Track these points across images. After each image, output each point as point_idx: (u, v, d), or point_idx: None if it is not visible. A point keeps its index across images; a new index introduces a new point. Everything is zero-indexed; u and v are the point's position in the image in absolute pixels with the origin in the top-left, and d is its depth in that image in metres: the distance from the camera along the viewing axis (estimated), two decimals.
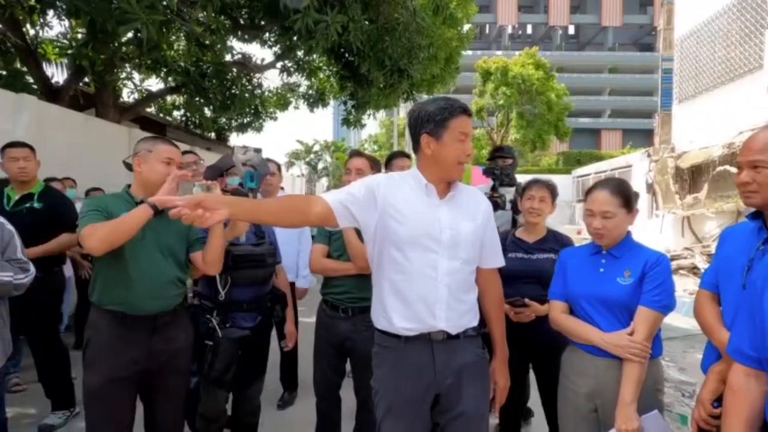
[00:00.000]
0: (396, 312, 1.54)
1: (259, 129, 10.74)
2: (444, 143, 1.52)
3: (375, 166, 2.47)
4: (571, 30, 49.33)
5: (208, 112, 9.72)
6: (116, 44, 6.29)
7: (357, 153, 2.50)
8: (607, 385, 1.66)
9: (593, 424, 1.73)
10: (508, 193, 3.06)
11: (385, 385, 1.57)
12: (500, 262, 1.73)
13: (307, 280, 3.46)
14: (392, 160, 2.75)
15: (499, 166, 3.07)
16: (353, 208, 1.52)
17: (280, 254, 2.44)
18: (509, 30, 48.02)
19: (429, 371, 1.53)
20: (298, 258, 3.37)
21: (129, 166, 1.92)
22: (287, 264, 4.12)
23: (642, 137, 37.94)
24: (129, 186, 1.93)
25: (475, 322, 1.62)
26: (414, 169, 1.64)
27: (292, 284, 4.39)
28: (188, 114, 10.19)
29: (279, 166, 3.27)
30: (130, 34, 6.19)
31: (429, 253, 1.52)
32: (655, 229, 10.83)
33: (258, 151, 2.13)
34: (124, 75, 8.08)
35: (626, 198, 1.75)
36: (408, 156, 2.98)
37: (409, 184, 1.59)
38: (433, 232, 1.52)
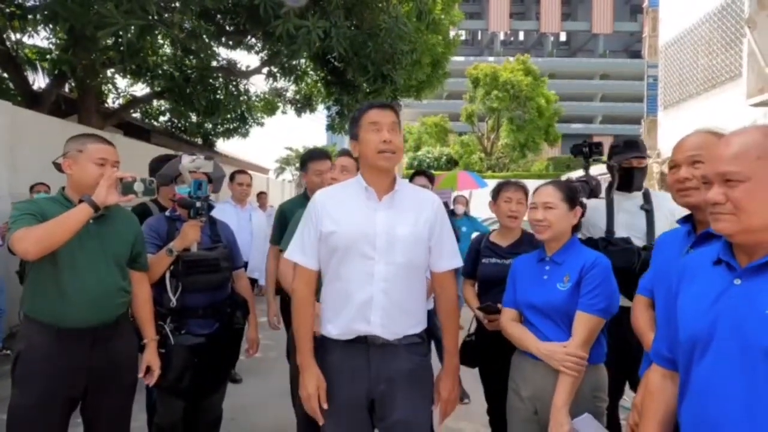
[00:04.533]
0: (332, 318, 1.57)
1: (245, 134, 10.72)
2: (361, 140, 1.59)
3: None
4: (563, 37, 49.82)
5: (193, 117, 9.70)
6: (98, 50, 6.27)
7: (346, 152, 2.45)
8: (545, 390, 1.67)
9: (536, 426, 1.75)
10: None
11: (328, 386, 1.58)
12: (451, 264, 1.66)
13: None
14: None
15: (633, 165, 2.31)
16: (316, 247, 1.60)
17: (241, 259, 2.41)
18: (501, 36, 48.39)
19: (364, 376, 1.54)
20: (264, 257, 3.37)
21: (59, 167, 1.80)
22: (255, 262, 4.10)
23: None
24: (63, 188, 1.82)
25: (418, 329, 1.60)
26: (358, 175, 1.66)
27: (256, 281, 4.36)
28: (173, 119, 10.15)
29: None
30: (111, 40, 6.18)
31: (365, 260, 1.53)
32: None
33: (209, 158, 2.09)
34: (106, 80, 8.02)
35: (568, 194, 1.77)
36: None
37: (351, 191, 1.62)
38: (369, 237, 1.53)
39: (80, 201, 1.68)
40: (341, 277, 1.55)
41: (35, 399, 1.66)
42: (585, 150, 2.38)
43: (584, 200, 2.22)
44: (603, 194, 2.41)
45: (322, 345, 1.61)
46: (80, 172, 1.75)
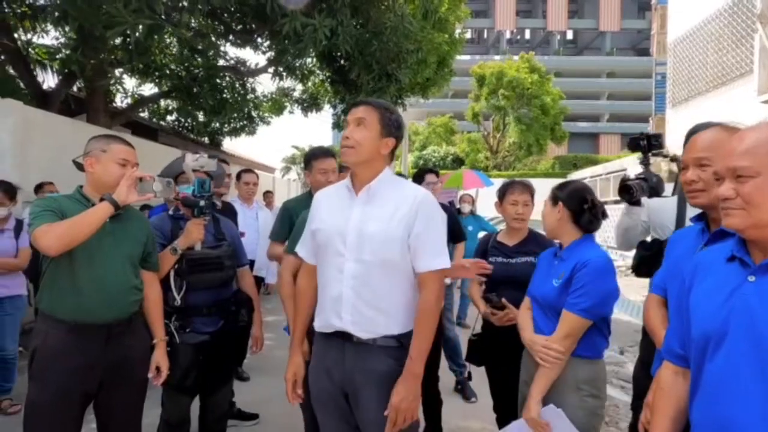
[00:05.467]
0: (318, 311, 1.64)
1: (252, 133, 10.75)
2: None
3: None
4: (570, 35, 49.52)
5: (200, 116, 9.75)
6: (106, 49, 6.32)
7: (326, 153, 2.50)
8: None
9: None
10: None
11: (310, 377, 1.67)
12: (432, 264, 1.52)
13: (273, 275, 3.50)
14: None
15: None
16: (312, 242, 1.67)
17: (245, 256, 2.42)
18: (507, 35, 48.19)
19: (339, 369, 1.57)
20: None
21: (80, 166, 1.84)
22: (261, 261, 4.14)
23: None
24: (81, 187, 1.86)
25: (395, 331, 1.54)
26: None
27: (262, 279, 4.42)
28: (181, 118, 10.20)
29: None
30: (119, 39, 6.22)
31: (337, 256, 1.55)
32: None
33: (213, 157, 2.10)
34: (114, 80, 8.08)
35: (552, 193, 1.87)
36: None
37: (341, 190, 1.65)
38: (342, 234, 1.55)
39: (101, 199, 1.73)
40: (321, 273, 1.62)
41: (52, 394, 1.69)
42: (643, 143, 2.13)
43: (645, 199, 2.08)
44: (667, 192, 2.19)
45: (316, 335, 1.68)
46: (103, 171, 1.80)
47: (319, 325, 1.62)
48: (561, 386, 1.68)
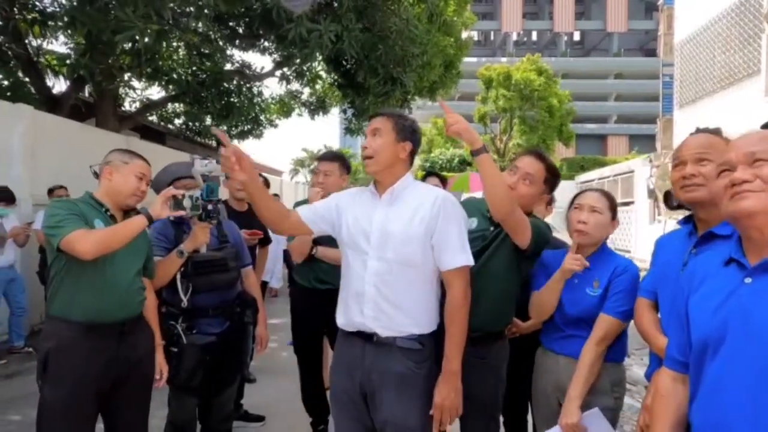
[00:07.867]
0: (340, 309, 1.69)
1: (259, 136, 10.83)
2: None
3: (344, 166, 2.63)
4: (577, 36, 49.30)
5: (208, 120, 9.84)
6: (115, 54, 6.41)
7: (325, 156, 2.68)
8: (566, 382, 1.71)
9: None
10: None
11: (332, 376, 1.71)
12: (454, 262, 1.56)
13: (277, 280, 3.58)
14: None
15: None
16: (321, 211, 1.73)
17: (248, 257, 2.45)
18: (514, 37, 48.09)
19: (358, 368, 1.60)
20: (275, 260, 3.49)
21: (96, 174, 1.93)
22: (268, 266, 4.19)
23: (648, 142, 37.57)
24: (91, 193, 1.92)
25: (416, 330, 1.58)
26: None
27: (266, 283, 4.48)
28: (188, 122, 10.30)
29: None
30: (128, 44, 6.31)
31: (361, 254, 1.62)
32: (656, 234, 10.72)
33: (219, 162, 2.13)
34: (123, 84, 8.18)
35: (612, 204, 1.81)
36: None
37: (362, 194, 1.73)
38: (365, 232, 1.61)
39: (136, 212, 1.87)
40: (346, 270, 1.69)
41: (68, 395, 1.73)
42: None
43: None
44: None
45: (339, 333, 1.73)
46: (122, 181, 1.89)
47: (342, 323, 1.67)
48: (598, 390, 1.67)
